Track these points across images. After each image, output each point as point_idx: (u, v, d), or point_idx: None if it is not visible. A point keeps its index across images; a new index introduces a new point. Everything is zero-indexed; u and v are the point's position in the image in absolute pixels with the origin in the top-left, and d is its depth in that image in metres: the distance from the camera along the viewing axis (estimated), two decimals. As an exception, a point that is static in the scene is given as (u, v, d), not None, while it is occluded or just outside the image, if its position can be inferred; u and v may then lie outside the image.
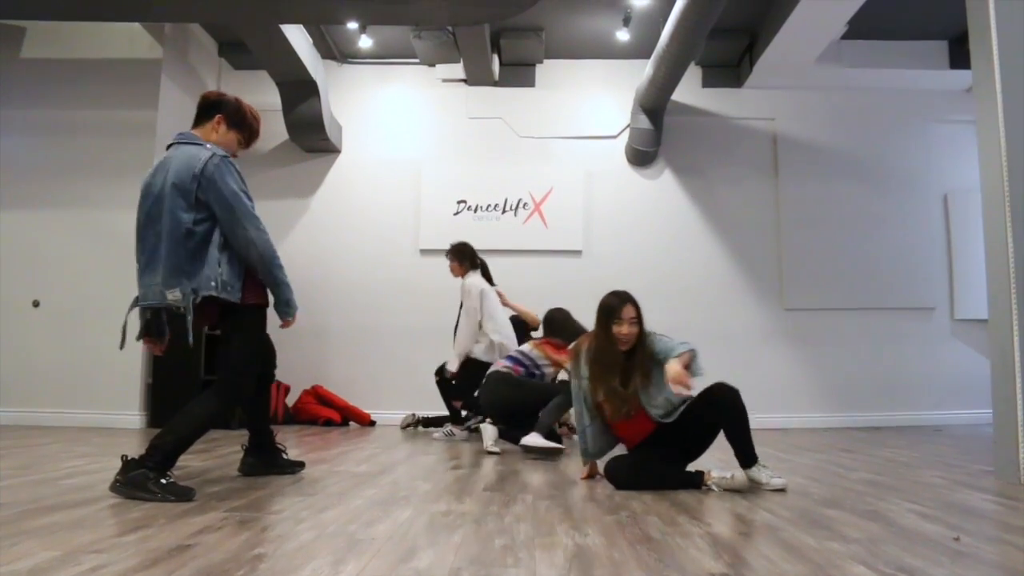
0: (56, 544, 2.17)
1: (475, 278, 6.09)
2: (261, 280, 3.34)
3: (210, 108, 3.42)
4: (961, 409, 7.76)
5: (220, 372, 3.32)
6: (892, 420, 7.74)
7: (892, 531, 2.52)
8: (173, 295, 3.14)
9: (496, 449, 5.01)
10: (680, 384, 3.36)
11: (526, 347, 5.58)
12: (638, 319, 3.64)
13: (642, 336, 3.66)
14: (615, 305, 3.65)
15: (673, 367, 3.42)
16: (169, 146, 3.39)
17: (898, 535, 2.46)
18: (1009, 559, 2.22)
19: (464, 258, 6.23)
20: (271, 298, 3.42)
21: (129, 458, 3.01)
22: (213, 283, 3.16)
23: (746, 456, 3.54)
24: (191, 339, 3.09)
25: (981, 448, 5.23)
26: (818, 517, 2.77)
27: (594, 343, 3.73)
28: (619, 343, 3.63)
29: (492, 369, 5.44)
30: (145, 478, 2.93)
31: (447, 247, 6.42)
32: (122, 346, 3.36)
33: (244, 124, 3.48)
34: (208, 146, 3.27)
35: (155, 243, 3.22)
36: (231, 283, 3.22)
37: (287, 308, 3.39)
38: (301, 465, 3.90)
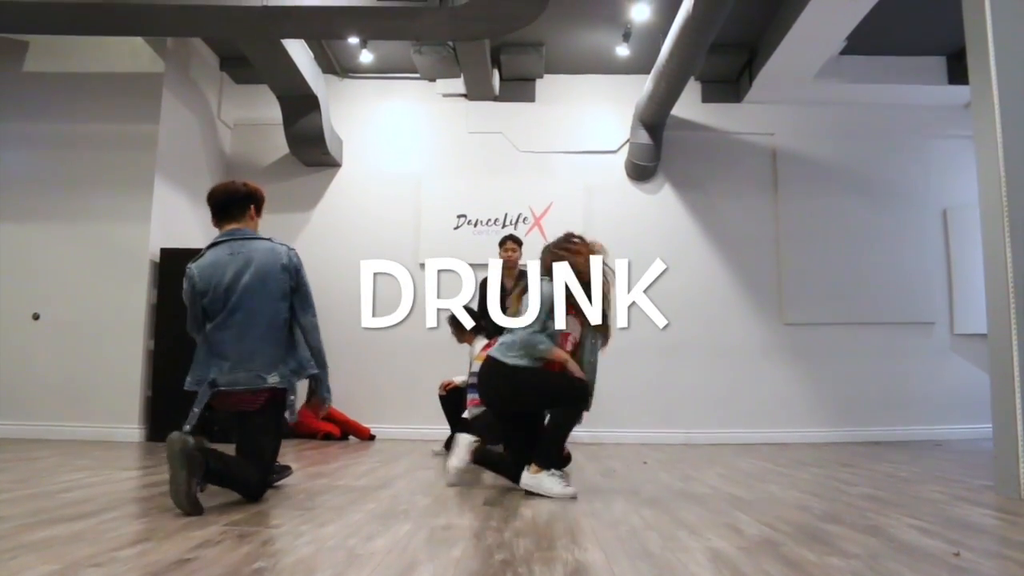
0: (55, 558, 2.17)
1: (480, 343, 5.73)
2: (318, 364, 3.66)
3: (246, 199, 3.62)
4: (961, 424, 7.74)
5: (256, 466, 3.33)
6: (892, 435, 7.72)
7: (892, 546, 2.51)
8: (273, 378, 3.37)
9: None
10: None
11: (476, 367, 4.88)
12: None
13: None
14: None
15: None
16: (214, 244, 3.54)
17: (898, 550, 2.45)
18: (1009, 574, 2.21)
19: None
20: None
21: (205, 445, 3.08)
22: (310, 361, 3.56)
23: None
24: (295, 415, 3.45)
25: (981, 463, 5.21)
26: (818, 532, 2.76)
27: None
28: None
29: (471, 416, 5.21)
30: (196, 462, 2.95)
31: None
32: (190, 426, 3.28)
33: (262, 207, 3.76)
34: (275, 239, 3.61)
35: (252, 333, 3.38)
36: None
37: (329, 392, 3.74)
38: (288, 469, 4.03)
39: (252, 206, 3.63)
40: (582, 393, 3.76)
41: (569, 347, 3.92)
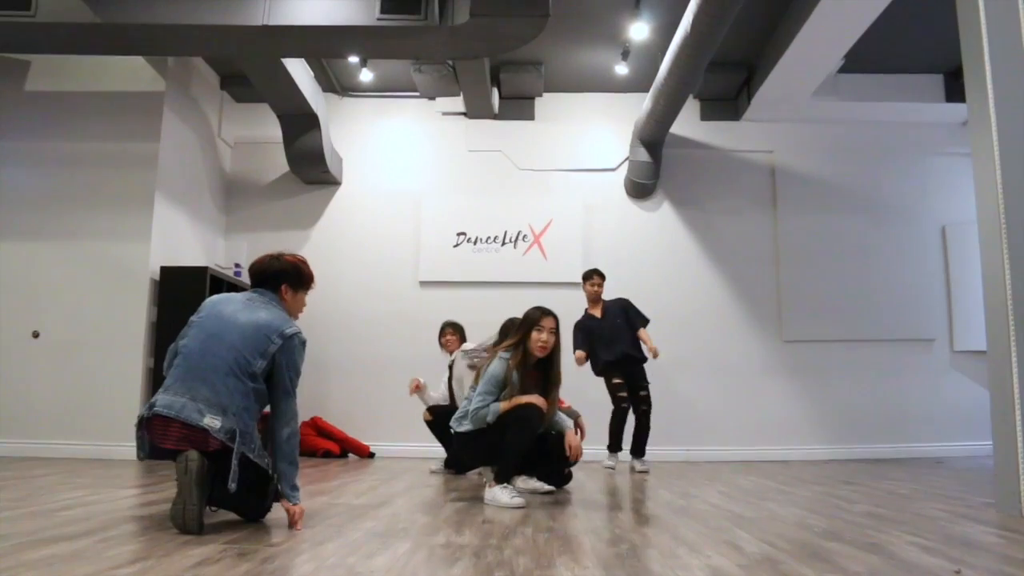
0: (54, 576, 2.17)
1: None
2: (276, 457, 3.21)
3: (276, 276, 3.44)
4: (961, 441, 7.74)
5: (256, 494, 3.19)
6: (893, 452, 7.71)
7: (893, 564, 2.51)
8: (210, 421, 2.99)
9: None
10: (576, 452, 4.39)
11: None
12: (556, 332, 4.32)
13: (557, 350, 4.34)
14: (537, 316, 4.29)
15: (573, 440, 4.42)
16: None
17: (899, 568, 2.45)
18: (1010, 592, 2.21)
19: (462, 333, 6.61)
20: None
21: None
22: (256, 441, 3.13)
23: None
24: (234, 484, 2.97)
25: (982, 480, 5.21)
26: (818, 549, 2.76)
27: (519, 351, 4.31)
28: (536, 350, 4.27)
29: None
30: (208, 483, 2.93)
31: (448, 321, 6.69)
32: (142, 457, 3.20)
33: (306, 282, 3.54)
34: (294, 324, 3.34)
35: (214, 359, 3.12)
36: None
37: (296, 492, 3.21)
38: None
39: (284, 284, 3.43)
40: (522, 414, 4.12)
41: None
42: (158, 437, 3.05)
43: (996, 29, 4.03)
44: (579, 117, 8.55)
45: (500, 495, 4.01)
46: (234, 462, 2.97)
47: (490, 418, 4.14)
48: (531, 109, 8.58)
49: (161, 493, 4.25)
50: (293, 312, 3.47)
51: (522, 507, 3.90)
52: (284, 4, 5.98)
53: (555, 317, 4.32)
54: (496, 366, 4.26)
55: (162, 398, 3.07)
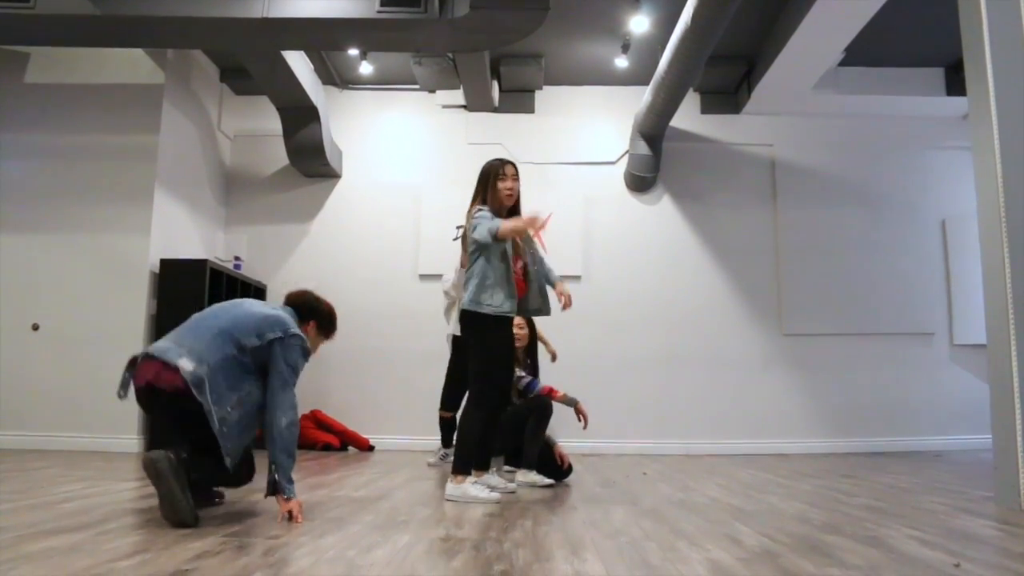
0: (53, 569, 2.17)
1: None
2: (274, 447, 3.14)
3: (309, 313, 3.52)
4: (961, 434, 7.74)
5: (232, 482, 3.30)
6: (892, 446, 7.72)
7: (892, 557, 2.51)
8: (186, 363, 3.00)
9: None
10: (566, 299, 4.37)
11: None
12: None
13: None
14: (497, 165, 4.32)
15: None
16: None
17: (898, 561, 2.45)
18: (1009, 585, 2.21)
19: None
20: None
21: (183, 456, 2.97)
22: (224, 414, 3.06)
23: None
24: (217, 425, 2.98)
25: (981, 474, 5.21)
26: (817, 543, 2.76)
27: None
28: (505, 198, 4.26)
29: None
30: (183, 472, 2.94)
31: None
32: (122, 395, 3.19)
33: (331, 331, 3.64)
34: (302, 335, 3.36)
35: (206, 327, 3.19)
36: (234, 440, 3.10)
37: (292, 485, 3.14)
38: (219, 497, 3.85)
39: (313, 320, 3.52)
40: (488, 396, 4.01)
41: (519, 265, 4.43)
42: (139, 378, 3.10)
43: (997, 22, 4.02)
44: (579, 110, 8.54)
45: (473, 491, 3.87)
46: (215, 423, 2.96)
47: (494, 226, 4.03)
48: (531, 102, 8.56)
49: (161, 486, 4.24)
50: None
51: (499, 502, 3.83)
52: (284, -4, 5.97)
53: (514, 164, 4.34)
54: (477, 216, 4.13)
55: (154, 344, 3.18)
